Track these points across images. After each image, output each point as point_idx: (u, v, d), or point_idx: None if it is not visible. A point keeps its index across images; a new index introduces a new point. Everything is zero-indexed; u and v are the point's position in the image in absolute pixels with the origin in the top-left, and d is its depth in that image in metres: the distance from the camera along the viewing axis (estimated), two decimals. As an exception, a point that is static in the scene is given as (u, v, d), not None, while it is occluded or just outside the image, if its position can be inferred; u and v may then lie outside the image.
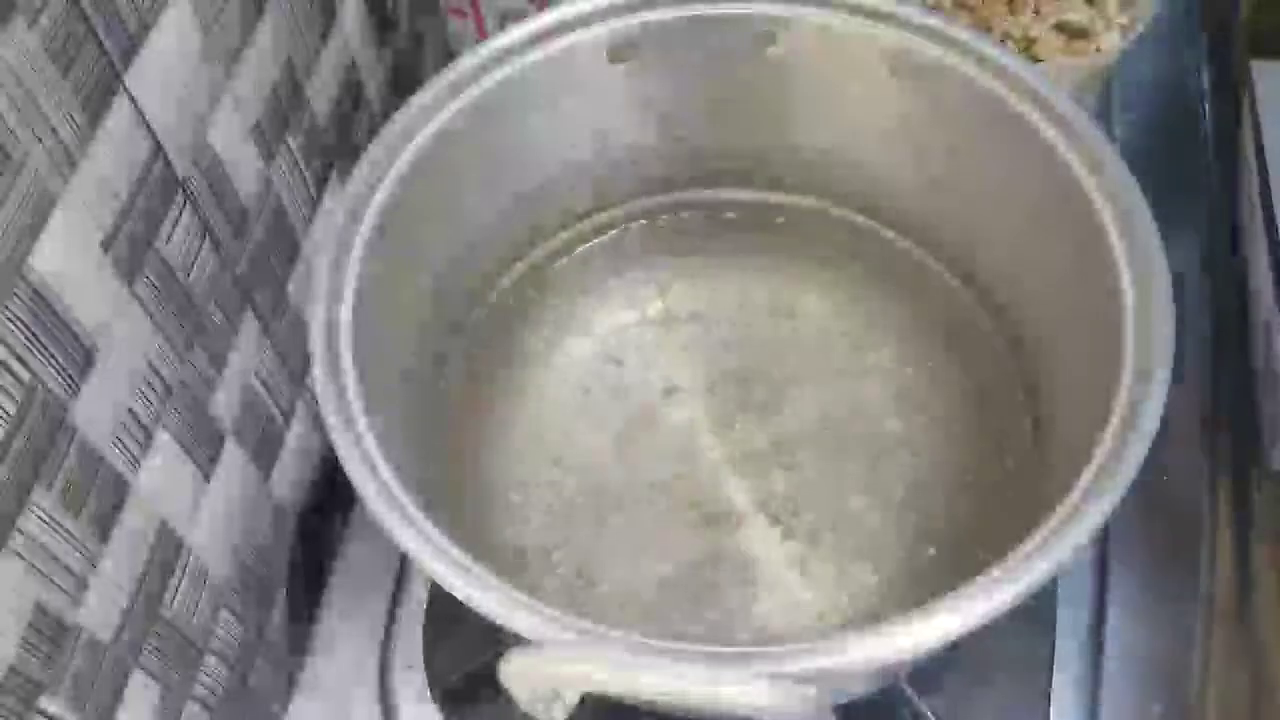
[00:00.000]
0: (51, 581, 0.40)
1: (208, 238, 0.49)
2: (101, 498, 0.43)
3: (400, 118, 0.45)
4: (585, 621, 0.34)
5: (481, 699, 0.49)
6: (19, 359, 0.37)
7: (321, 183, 0.60)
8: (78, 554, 0.42)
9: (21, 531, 0.38)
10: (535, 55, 0.48)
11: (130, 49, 0.42)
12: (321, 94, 0.60)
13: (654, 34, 0.50)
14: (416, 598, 0.52)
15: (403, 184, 0.45)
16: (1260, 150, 0.65)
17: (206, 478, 0.51)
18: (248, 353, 0.54)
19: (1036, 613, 0.50)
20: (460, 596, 0.35)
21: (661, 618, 0.46)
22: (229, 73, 0.50)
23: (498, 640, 0.48)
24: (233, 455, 0.53)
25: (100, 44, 0.40)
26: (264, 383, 0.56)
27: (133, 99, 0.43)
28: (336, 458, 0.37)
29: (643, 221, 0.58)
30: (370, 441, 0.38)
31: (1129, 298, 0.40)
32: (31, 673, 0.40)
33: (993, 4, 0.63)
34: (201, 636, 0.52)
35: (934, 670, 0.49)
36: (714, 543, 0.48)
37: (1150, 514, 0.53)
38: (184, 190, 0.47)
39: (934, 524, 0.48)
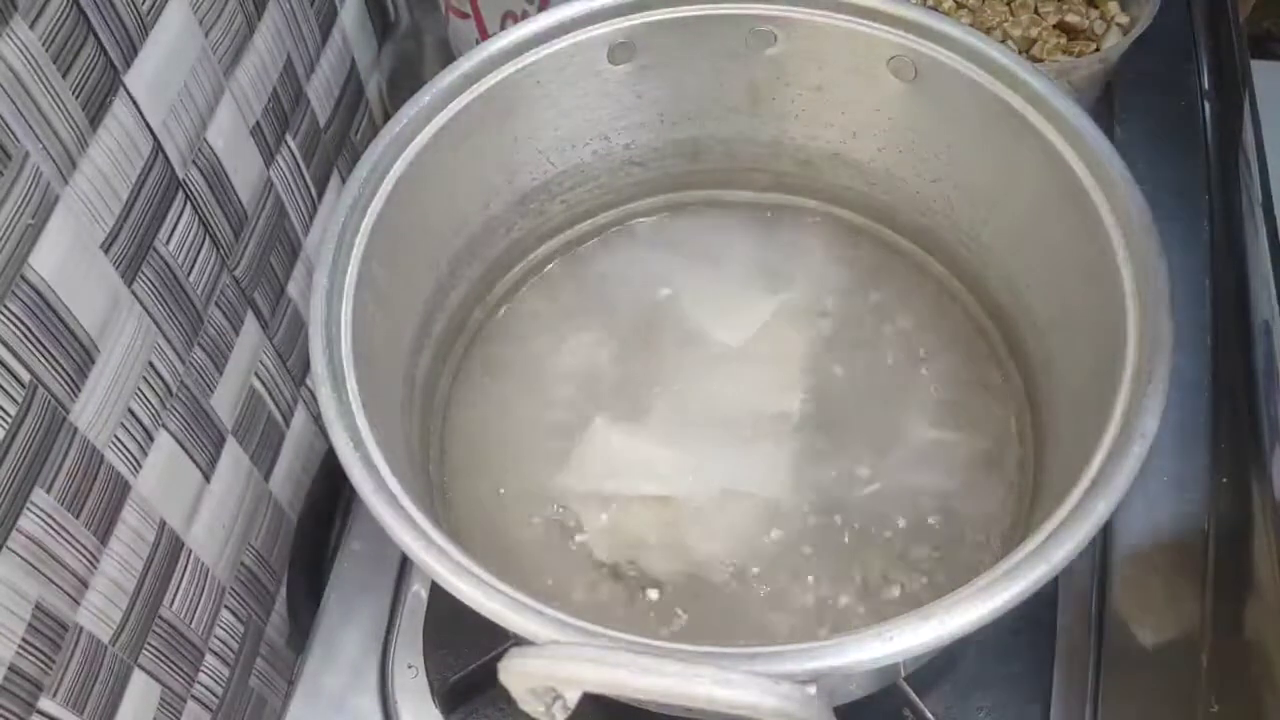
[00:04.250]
0: (51, 581, 0.40)
1: (208, 238, 0.49)
2: (101, 498, 0.43)
3: (400, 118, 0.45)
4: (585, 621, 0.34)
5: (481, 699, 0.49)
6: (19, 359, 0.38)
7: (321, 183, 0.61)
8: (78, 554, 0.42)
9: (21, 531, 0.38)
10: (535, 56, 0.48)
11: (130, 49, 0.42)
12: (321, 94, 0.60)
13: (654, 34, 0.50)
14: (416, 598, 0.52)
15: (403, 184, 0.45)
16: (1260, 150, 0.65)
17: (206, 478, 0.51)
18: (248, 353, 0.54)
19: (1036, 613, 0.50)
20: (460, 596, 0.35)
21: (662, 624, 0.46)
22: (229, 73, 0.50)
23: (498, 640, 0.48)
24: (233, 455, 0.53)
25: (100, 44, 0.40)
26: (264, 383, 0.56)
27: (133, 99, 0.43)
28: (336, 458, 0.37)
29: (643, 221, 0.58)
30: (370, 441, 0.38)
31: (1129, 298, 0.40)
32: (31, 673, 0.40)
33: (993, 4, 0.63)
34: (201, 636, 0.52)
35: (934, 670, 0.49)
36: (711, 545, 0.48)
37: (1150, 514, 0.53)
38: (184, 190, 0.47)
39: (932, 523, 0.48)
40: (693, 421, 0.51)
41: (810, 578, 0.46)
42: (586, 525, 0.48)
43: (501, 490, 0.50)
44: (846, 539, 0.47)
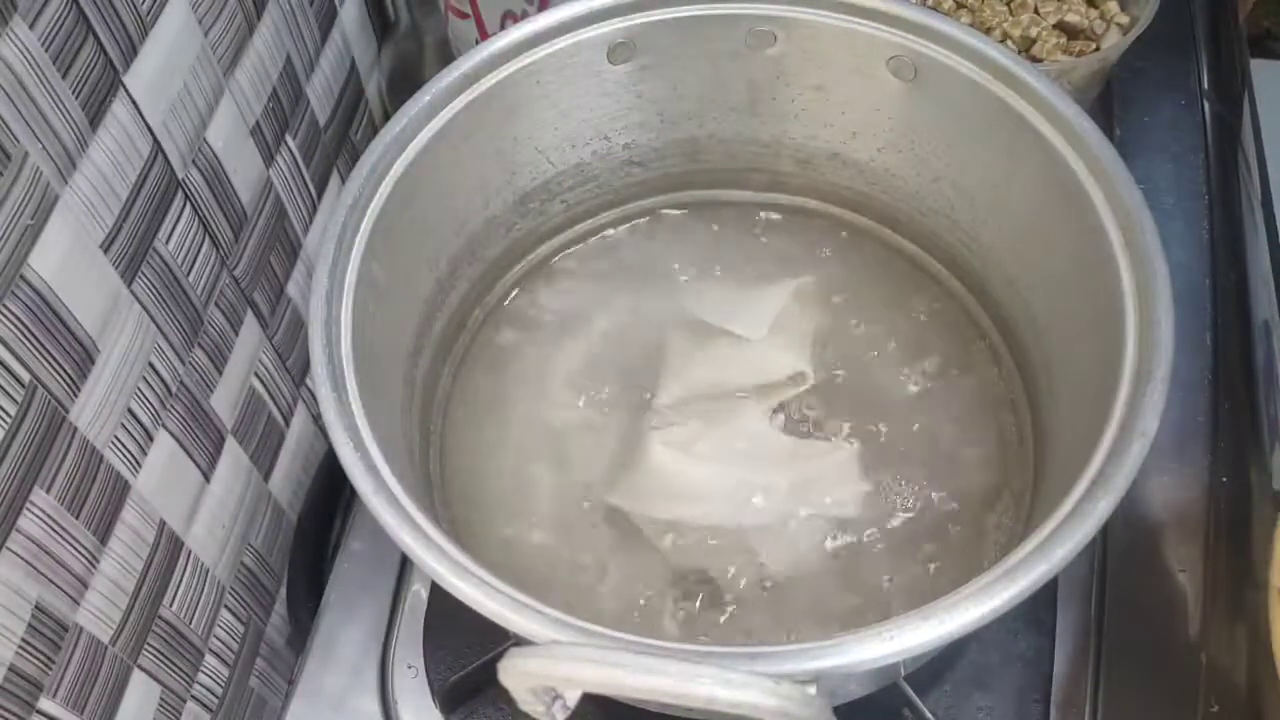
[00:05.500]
0: (51, 582, 0.40)
1: (208, 238, 0.49)
2: (101, 498, 0.43)
3: (400, 118, 0.45)
4: (585, 621, 0.34)
5: (481, 699, 0.49)
6: (19, 359, 0.38)
7: (321, 183, 0.61)
8: (78, 554, 0.42)
9: (21, 532, 0.38)
10: (535, 56, 0.48)
11: (130, 49, 0.42)
12: (321, 94, 0.60)
13: (654, 34, 0.50)
14: (416, 598, 0.52)
15: (403, 184, 0.45)
16: (1260, 150, 0.65)
17: (206, 478, 0.51)
18: (248, 353, 0.54)
19: (1036, 613, 0.50)
20: (460, 596, 0.35)
21: (653, 624, 0.46)
22: (229, 73, 0.50)
23: (498, 640, 0.48)
24: (233, 455, 0.53)
25: (100, 44, 0.40)
26: (264, 383, 0.56)
27: (132, 99, 0.43)
28: (336, 458, 0.37)
29: (643, 221, 0.58)
30: (370, 441, 0.38)
31: (1129, 298, 0.40)
32: (31, 673, 0.40)
33: (993, 4, 0.63)
34: (201, 637, 0.52)
35: (934, 670, 0.49)
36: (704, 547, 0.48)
37: (1150, 513, 0.53)
38: (184, 190, 0.47)
39: (932, 523, 0.48)
40: (698, 425, 0.51)
41: (843, 595, 0.47)
42: (588, 527, 0.48)
43: (501, 490, 0.50)
44: (869, 549, 0.47)
